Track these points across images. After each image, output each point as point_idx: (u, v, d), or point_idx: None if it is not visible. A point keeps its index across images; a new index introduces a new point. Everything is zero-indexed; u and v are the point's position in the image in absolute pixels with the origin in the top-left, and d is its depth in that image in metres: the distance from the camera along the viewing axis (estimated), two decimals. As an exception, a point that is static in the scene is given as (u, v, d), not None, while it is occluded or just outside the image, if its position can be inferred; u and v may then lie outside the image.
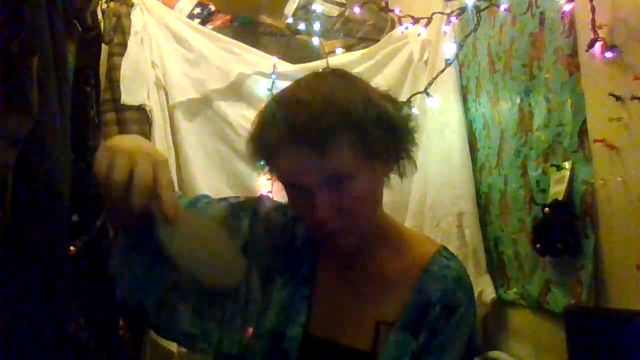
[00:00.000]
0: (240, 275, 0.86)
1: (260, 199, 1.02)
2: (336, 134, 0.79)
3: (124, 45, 2.13)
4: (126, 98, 2.07)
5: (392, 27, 2.45)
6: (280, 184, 0.89)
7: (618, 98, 1.25)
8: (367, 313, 0.91)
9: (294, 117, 0.79)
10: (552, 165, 1.51)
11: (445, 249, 0.96)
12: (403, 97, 2.01)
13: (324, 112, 0.78)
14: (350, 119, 0.79)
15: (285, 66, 2.31)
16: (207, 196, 1.01)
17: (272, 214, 0.99)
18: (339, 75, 0.88)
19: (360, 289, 0.94)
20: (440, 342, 0.87)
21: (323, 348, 0.91)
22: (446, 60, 1.96)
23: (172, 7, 2.41)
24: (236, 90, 2.28)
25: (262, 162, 0.88)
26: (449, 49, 1.95)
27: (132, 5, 2.20)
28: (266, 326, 0.92)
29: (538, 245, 1.50)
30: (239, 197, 1.02)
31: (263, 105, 0.88)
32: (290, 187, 0.87)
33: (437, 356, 0.86)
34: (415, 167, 0.91)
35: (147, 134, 2.12)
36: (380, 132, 0.82)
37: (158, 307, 0.86)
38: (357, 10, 2.21)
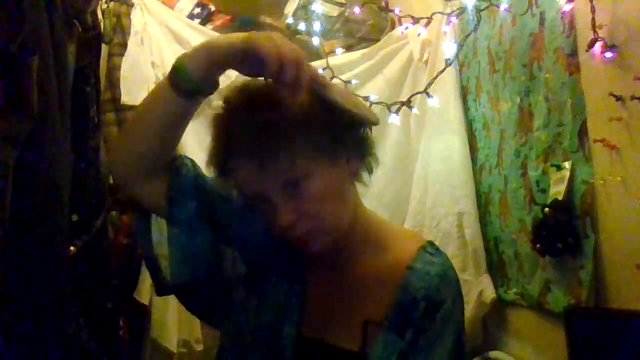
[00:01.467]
0: None
1: None
2: (280, 140, 0.79)
3: (124, 45, 2.13)
4: (126, 98, 2.07)
5: (392, 27, 2.45)
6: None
7: (618, 98, 1.25)
8: (355, 313, 0.90)
9: (236, 133, 0.81)
10: (552, 165, 1.51)
11: (431, 244, 0.95)
12: (403, 97, 2.01)
13: (263, 120, 0.80)
14: (291, 123, 0.80)
15: (285, 66, 2.30)
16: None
17: None
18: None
19: (347, 288, 0.93)
20: (427, 340, 0.86)
21: (314, 348, 0.91)
22: (446, 60, 1.96)
23: (172, 7, 2.41)
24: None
25: (221, 179, 0.89)
26: (449, 49, 1.95)
27: (132, 5, 2.20)
28: (263, 323, 0.92)
29: (538, 245, 1.50)
30: None
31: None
32: (251, 199, 0.87)
33: (425, 354, 0.86)
34: (377, 162, 0.92)
35: (147, 134, 2.12)
36: (330, 132, 0.83)
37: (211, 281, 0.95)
38: (357, 10, 2.21)
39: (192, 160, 0.98)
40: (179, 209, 0.93)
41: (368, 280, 0.92)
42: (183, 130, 0.92)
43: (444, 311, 0.87)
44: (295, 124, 0.80)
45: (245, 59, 0.79)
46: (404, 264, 0.90)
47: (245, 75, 0.85)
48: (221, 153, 0.85)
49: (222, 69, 0.84)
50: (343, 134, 0.86)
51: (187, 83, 0.82)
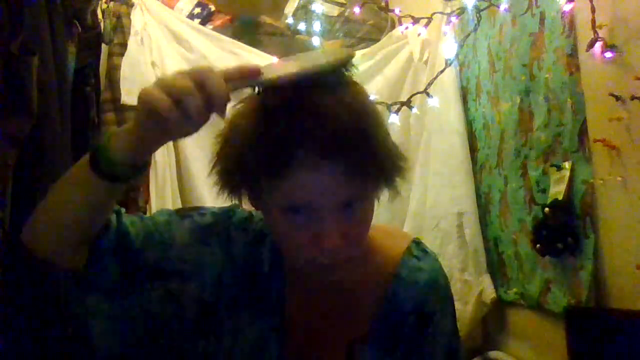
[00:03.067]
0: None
1: (232, 215, 0.88)
2: (362, 150, 0.66)
3: (124, 45, 2.13)
4: (126, 98, 2.07)
5: (392, 27, 2.45)
6: (266, 208, 0.76)
7: (618, 98, 1.25)
8: (339, 332, 0.83)
9: (323, 126, 0.65)
10: (552, 165, 1.51)
11: (417, 244, 0.86)
12: (403, 97, 2.01)
13: (354, 123, 0.67)
14: (370, 134, 0.68)
15: (285, 66, 2.31)
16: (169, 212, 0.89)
17: (240, 234, 0.87)
18: (345, 82, 0.73)
19: (330, 307, 0.84)
20: (418, 355, 0.81)
21: None
22: (446, 60, 1.96)
23: (172, 7, 2.41)
24: (236, 91, 2.28)
25: (251, 184, 0.74)
26: (449, 49, 1.95)
27: (132, 5, 2.20)
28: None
29: (538, 245, 1.50)
30: (205, 213, 0.88)
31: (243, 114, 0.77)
32: (289, 210, 0.71)
33: None
34: (394, 195, 0.77)
35: (147, 134, 2.12)
36: (386, 149, 0.71)
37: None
38: (357, 10, 2.21)
39: (118, 214, 0.81)
40: (99, 274, 0.78)
41: (351, 293, 0.84)
42: (110, 208, 0.79)
43: (435, 323, 0.82)
44: (369, 138, 0.68)
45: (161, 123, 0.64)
46: (388, 271, 0.83)
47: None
48: (284, 149, 0.67)
49: (149, 147, 0.71)
50: (399, 158, 0.73)
51: (109, 166, 0.69)
